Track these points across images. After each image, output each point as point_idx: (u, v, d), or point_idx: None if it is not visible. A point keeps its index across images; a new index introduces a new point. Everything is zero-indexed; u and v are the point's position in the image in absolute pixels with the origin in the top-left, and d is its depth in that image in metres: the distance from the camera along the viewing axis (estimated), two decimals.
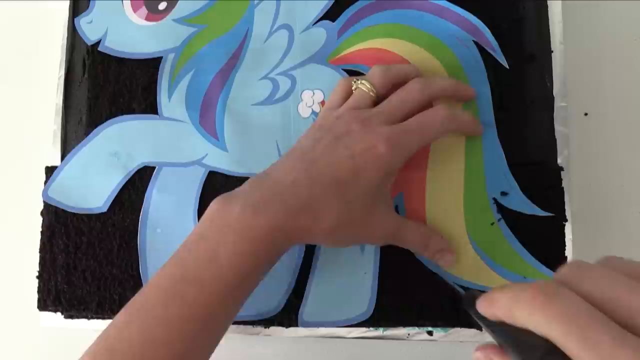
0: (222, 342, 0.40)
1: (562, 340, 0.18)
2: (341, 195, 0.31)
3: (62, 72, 0.41)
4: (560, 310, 0.19)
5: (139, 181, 0.39)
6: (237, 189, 0.32)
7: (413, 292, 0.36)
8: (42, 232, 0.39)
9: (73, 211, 0.39)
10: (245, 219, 0.29)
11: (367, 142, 0.31)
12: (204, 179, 0.38)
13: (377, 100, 0.35)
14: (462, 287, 0.36)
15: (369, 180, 0.31)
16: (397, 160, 0.32)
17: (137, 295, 0.30)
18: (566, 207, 0.36)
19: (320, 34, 0.39)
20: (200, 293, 0.29)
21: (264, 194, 0.30)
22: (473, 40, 0.38)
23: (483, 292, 0.24)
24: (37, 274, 0.39)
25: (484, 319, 0.23)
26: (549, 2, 0.38)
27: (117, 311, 0.37)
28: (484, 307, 0.23)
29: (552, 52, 0.38)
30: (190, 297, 0.29)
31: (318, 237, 0.32)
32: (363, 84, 0.34)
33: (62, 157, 0.40)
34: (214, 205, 0.31)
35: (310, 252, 0.37)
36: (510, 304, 0.21)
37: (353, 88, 0.35)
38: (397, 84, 0.35)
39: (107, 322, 0.38)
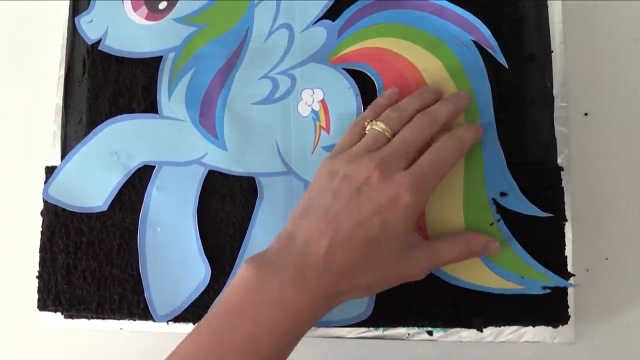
0: None
1: None
2: (374, 254, 0.31)
3: (62, 72, 0.41)
4: None
5: (138, 180, 0.39)
6: (265, 254, 0.31)
7: (413, 292, 0.36)
8: (42, 232, 0.39)
9: (73, 210, 0.39)
10: (285, 296, 0.29)
11: (391, 193, 0.31)
12: (204, 178, 0.38)
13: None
14: (461, 288, 0.36)
15: (398, 232, 0.31)
16: (422, 204, 0.32)
17: None
18: (566, 207, 0.36)
19: (321, 33, 0.39)
20: None
21: (301, 268, 0.30)
22: (473, 40, 0.38)
23: None
24: (37, 274, 0.39)
25: None
26: (549, 2, 0.38)
27: (117, 311, 0.38)
28: None
29: (552, 52, 0.38)
30: None
31: (356, 296, 0.32)
32: (378, 124, 0.34)
33: (62, 157, 0.40)
34: (247, 274, 0.30)
35: None
36: None
37: (367, 129, 0.35)
38: None
39: (107, 322, 0.39)
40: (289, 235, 0.32)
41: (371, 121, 0.34)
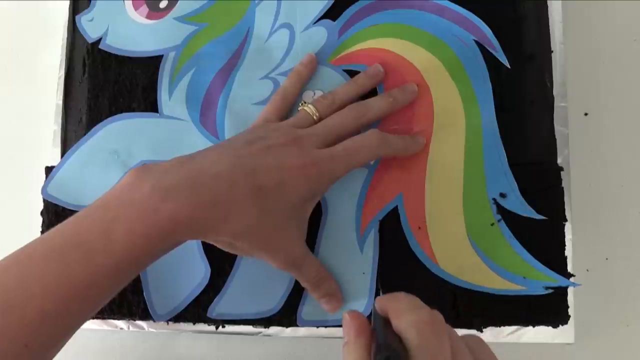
0: (223, 341, 0.40)
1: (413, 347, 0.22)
2: (259, 203, 0.30)
3: (62, 72, 0.41)
4: (432, 330, 0.22)
5: None
6: (160, 162, 0.31)
7: (412, 293, 0.36)
8: (42, 232, 0.39)
9: (72, 208, 0.39)
10: (151, 200, 0.28)
11: (297, 161, 0.31)
12: None
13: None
14: (463, 288, 0.35)
15: (291, 197, 0.31)
16: (322, 186, 0.33)
17: (29, 243, 0.29)
18: (566, 207, 0.36)
19: (321, 33, 0.39)
20: (83, 260, 0.28)
21: (180, 180, 0.29)
22: (474, 39, 0.38)
23: None
24: None
25: (376, 314, 0.25)
26: (549, 2, 0.39)
27: (117, 311, 0.38)
28: (381, 300, 0.25)
29: (552, 52, 0.38)
30: (72, 261, 0.28)
31: (222, 238, 0.31)
32: (309, 106, 0.36)
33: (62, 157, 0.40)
34: (127, 177, 0.30)
35: None
36: (403, 306, 0.24)
37: (299, 108, 0.37)
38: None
39: (107, 322, 0.38)
40: (190, 157, 0.32)
41: (304, 102, 0.36)
